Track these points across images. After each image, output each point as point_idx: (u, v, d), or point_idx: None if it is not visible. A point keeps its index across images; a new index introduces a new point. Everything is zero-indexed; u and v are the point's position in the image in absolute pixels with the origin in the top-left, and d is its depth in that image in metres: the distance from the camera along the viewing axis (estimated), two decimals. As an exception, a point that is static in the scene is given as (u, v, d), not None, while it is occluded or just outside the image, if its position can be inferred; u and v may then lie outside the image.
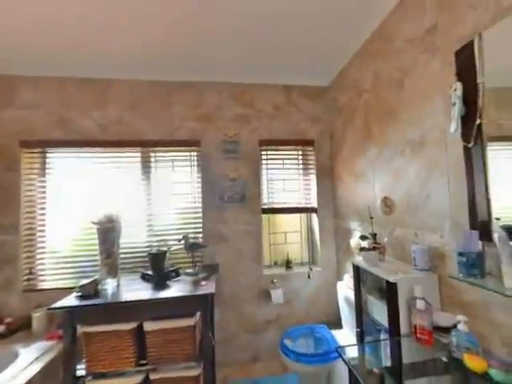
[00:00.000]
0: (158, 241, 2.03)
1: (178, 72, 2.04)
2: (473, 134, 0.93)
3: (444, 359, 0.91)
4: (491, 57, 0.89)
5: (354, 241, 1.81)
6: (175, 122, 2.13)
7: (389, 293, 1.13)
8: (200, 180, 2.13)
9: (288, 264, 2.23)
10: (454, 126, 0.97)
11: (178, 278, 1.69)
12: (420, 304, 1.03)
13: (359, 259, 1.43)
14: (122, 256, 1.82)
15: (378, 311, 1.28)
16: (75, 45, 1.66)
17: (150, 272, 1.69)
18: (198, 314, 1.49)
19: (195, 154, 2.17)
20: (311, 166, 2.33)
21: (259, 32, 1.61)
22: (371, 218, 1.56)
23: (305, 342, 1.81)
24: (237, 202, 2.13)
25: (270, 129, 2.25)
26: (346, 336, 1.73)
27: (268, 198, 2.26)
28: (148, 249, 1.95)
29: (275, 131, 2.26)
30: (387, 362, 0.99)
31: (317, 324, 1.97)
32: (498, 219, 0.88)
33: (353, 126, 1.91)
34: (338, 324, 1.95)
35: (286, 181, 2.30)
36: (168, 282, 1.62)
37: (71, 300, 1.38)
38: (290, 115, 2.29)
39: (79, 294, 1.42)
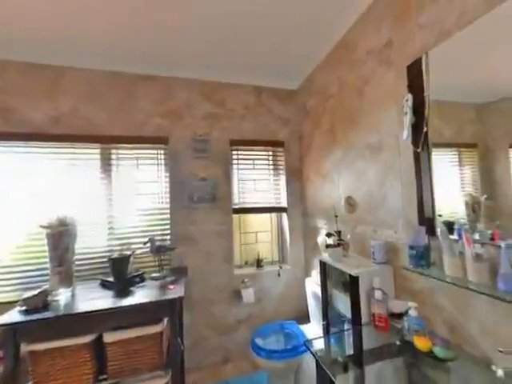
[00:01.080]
0: (120, 245, 1.88)
1: (142, 64, 1.92)
2: (421, 140, 1.05)
3: (397, 342, 1.01)
4: (435, 73, 1.01)
5: (321, 238, 1.91)
6: (140, 117, 2.00)
7: (351, 285, 1.22)
8: (168, 179, 2.04)
9: (259, 263, 2.26)
10: (406, 133, 1.08)
11: (143, 284, 1.60)
12: (378, 294, 1.13)
13: (325, 256, 1.51)
14: (78, 263, 1.66)
15: (342, 303, 1.37)
16: (20, 26, 1.45)
17: (110, 279, 1.56)
18: (166, 319, 1.42)
19: (162, 151, 2.07)
20: (281, 167, 2.39)
21: (228, 31, 1.60)
22: (336, 216, 1.66)
23: (275, 339, 1.85)
24: (207, 203, 2.08)
25: (240, 129, 2.25)
26: (313, 329, 1.81)
27: (239, 198, 2.25)
28: (109, 254, 1.79)
29: (246, 131, 2.27)
30: (350, 351, 1.06)
31: (286, 320, 2.03)
32: (440, 216, 1.01)
33: (320, 129, 2.01)
34: (306, 319, 2.03)
35: (257, 181, 2.32)
36: (132, 289, 1.52)
37: (13, 315, 1.21)
38: (260, 116, 2.32)
39: (23, 307, 1.25)
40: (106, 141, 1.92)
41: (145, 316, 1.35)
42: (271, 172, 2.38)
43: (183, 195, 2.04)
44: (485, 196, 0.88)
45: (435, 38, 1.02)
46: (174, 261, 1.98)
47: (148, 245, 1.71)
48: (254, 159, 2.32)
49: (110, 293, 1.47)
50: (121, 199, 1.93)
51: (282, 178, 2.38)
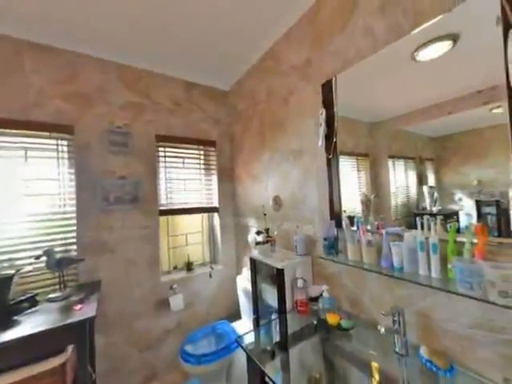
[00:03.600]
0: (-4, 262, 1.42)
1: (33, 29, 1.51)
2: (331, 148, 1.25)
3: (314, 322, 1.17)
4: (341, 94, 1.23)
5: (251, 236, 2.00)
6: (30, 96, 1.56)
7: (278, 278, 1.33)
8: (73, 177, 1.68)
9: (189, 266, 2.16)
10: (320, 142, 1.26)
11: (34, 309, 1.26)
12: (300, 283, 1.28)
13: (255, 252, 1.59)
14: None
15: (270, 296, 1.47)
16: None
17: (-20, 309, 1.16)
18: (71, 347, 1.17)
19: (66, 143, 1.69)
20: (213, 167, 2.36)
21: (161, 18, 1.47)
22: (265, 214, 1.77)
23: (207, 342, 1.81)
24: (127, 204, 1.83)
25: (168, 124, 2.09)
26: (245, 325, 1.87)
27: (167, 199, 2.09)
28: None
29: (175, 127, 2.12)
30: (277, 338, 1.15)
31: (218, 321, 2.02)
32: (345, 211, 1.23)
33: (250, 131, 2.10)
34: (238, 316, 2.08)
35: (187, 180, 2.21)
36: (16, 318, 1.17)
37: None
38: (191, 113, 2.22)
39: None
40: (-28, 122, 1.41)
41: (40, 348, 1.07)
42: (202, 171, 2.32)
43: (96, 196, 1.72)
44: (373, 195, 1.13)
45: (341, 64, 1.23)
46: (82, 275, 1.64)
47: (43, 258, 1.36)
48: (184, 157, 2.20)
49: (-23, 328, 1.08)
50: (-2, 202, 1.45)
51: (214, 178, 2.35)
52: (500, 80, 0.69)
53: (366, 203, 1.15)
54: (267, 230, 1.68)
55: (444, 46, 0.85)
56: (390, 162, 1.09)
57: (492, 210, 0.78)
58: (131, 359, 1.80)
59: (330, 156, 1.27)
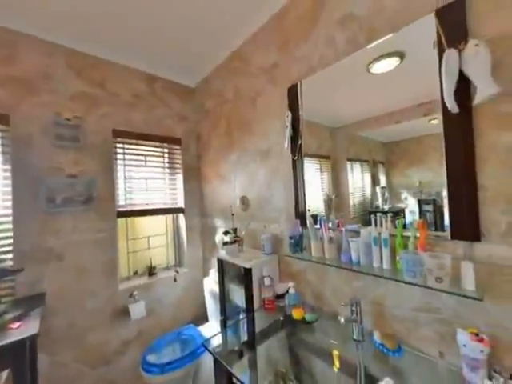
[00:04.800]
0: None
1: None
2: (297, 150, 1.30)
3: (281, 318, 1.21)
4: (306, 98, 1.29)
5: (219, 237, 1.97)
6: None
7: (246, 277, 1.34)
8: (9, 174, 1.44)
9: (151, 271, 2.03)
10: (287, 144, 1.31)
11: (-45, 332, 1.05)
12: (267, 281, 1.30)
13: (223, 253, 1.57)
14: None
15: (238, 296, 1.47)
16: None
17: None
18: (5, 373, 1.00)
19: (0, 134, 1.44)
20: (178, 165, 2.26)
21: (118, 5, 1.35)
22: (232, 214, 1.77)
23: (171, 349, 1.72)
24: (79, 205, 1.64)
25: (128, 119, 1.94)
26: (212, 328, 1.84)
27: (126, 199, 1.93)
28: None
29: (136, 123, 1.98)
30: (245, 337, 1.15)
31: (184, 326, 1.94)
32: (309, 210, 1.29)
33: (218, 131, 2.06)
34: (205, 319, 2.03)
35: (150, 180, 2.08)
36: None
37: None
38: (154, 108, 2.09)
39: None
40: None
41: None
42: (167, 170, 2.21)
43: (38, 196, 1.51)
44: (334, 195, 1.21)
45: (306, 70, 1.29)
46: (21, 288, 1.42)
47: (-33, 271, 1.14)
48: (146, 155, 2.06)
49: None
50: None
51: (179, 177, 2.26)
52: (436, 95, 0.81)
53: (328, 202, 1.23)
54: (235, 230, 1.68)
55: (393, 62, 0.96)
56: (348, 165, 1.18)
57: (430, 207, 0.90)
58: (84, 379, 1.62)
59: (296, 157, 1.32)
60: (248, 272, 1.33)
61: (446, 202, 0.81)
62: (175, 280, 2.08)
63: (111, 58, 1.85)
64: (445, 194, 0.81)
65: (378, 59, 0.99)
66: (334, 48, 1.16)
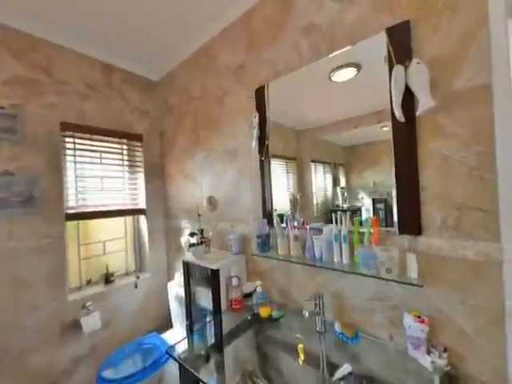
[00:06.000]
0: None
1: None
2: (264, 150, 1.33)
3: (248, 317, 1.22)
4: (272, 100, 1.32)
5: (184, 238, 1.89)
6: None
7: (213, 279, 1.31)
8: None
9: (108, 278, 1.86)
10: (254, 144, 1.32)
11: None
12: (234, 281, 1.30)
13: (189, 255, 1.52)
14: None
15: (205, 298, 1.44)
16: None
17: None
18: None
19: None
20: (139, 164, 2.11)
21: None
22: (199, 215, 1.72)
23: (131, 361, 1.60)
24: (16, 207, 1.42)
25: (80, 111, 1.74)
26: (177, 333, 1.76)
27: (77, 200, 1.73)
28: None
29: (90, 115, 1.79)
30: (212, 340, 1.13)
31: (146, 335, 1.82)
32: (276, 210, 1.32)
33: (183, 128, 1.98)
34: (170, 325, 1.93)
35: (106, 178, 1.91)
36: None
37: None
38: (111, 101, 1.92)
39: None
40: None
41: None
42: (126, 169, 2.04)
43: (-40, 197, 1.26)
44: (300, 194, 1.26)
45: (273, 73, 1.32)
46: None
47: None
48: (101, 151, 1.88)
49: None
50: None
51: (141, 176, 2.11)
52: (387, 105, 0.90)
53: (293, 202, 1.28)
54: (202, 231, 1.63)
55: (351, 72, 1.04)
56: (312, 166, 1.24)
57: (382, 206, 1.00)
58: (22, 406, 1.41)
59: (263, 158, 1.34)
60: (215, 273, 1.30)
61: (394, 200, 0.91)
62: (136, 286, 1.94)
63: (57, 40, 1.63)
64: (394, 193, 0.91)
65: (338, 68, 1.06)
66: (299, 54, 1.21)
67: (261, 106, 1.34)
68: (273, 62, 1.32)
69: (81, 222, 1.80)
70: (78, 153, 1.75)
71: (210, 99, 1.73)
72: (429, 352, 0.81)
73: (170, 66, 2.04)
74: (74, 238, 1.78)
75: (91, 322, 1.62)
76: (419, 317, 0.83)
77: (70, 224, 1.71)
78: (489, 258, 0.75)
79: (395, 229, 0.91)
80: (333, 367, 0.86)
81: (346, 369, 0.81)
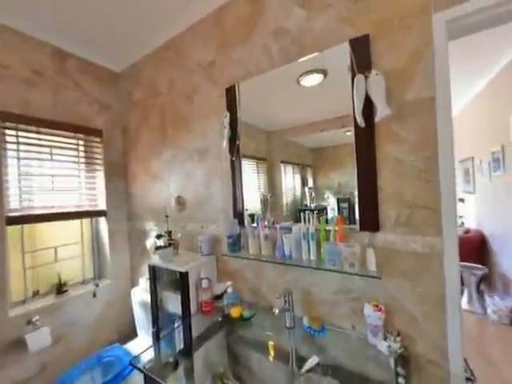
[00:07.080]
0: None
1: None
2: (235, 150, 1.32)
3: (219, 319, 1.20)
4: (243, 100, 1.32)
5: (150, 241, 1.79)
6: None
7: (182, 282, 1.26)
8: None
9: (60, 288, 1.67)
10: (225, 144, 1.31)
11: None
12: (204, 283, 1.27)
13: (155, 258, 1.44)
14: None
15: (173, 303, 1.38)
16: None
17: None
18: None
19: None
20: (98, 161, 1.93)
21: None
22: (167, 216, 1.64)
23: (90, 377, 1.46)
24: None
25: (25, 100, 1.53)
26: (143, 342, 1.65)
27: (21, 202, 1.52)
28: None
29: (37, 105, 1.58)
30: (181, 345, 1.09)
31: (106, 347, 1.68)
32: (247, 210, 1.33)
33: (149, 124, 1.87)
34: (134, 335, 1.81)
35: (58, 177, 1.71)
36: None
37: None
38: (64, 90, 1.72)
39: None
40: None
41: None
42: (82, 166, 1.85)
43: None
44: (270, 194, 1.28)
45: (244, 74, 1.32)
46: None
47: None
48: (52, 147, 1.67)
49: None
50: None
51: (100, 175, 1.94)
52: (350, 111, 0.96)
53: (264, 202, 1.30)
54: (169, 233, 1.56)
55: (318, 78, 1.09)
56: (282, 167, 1.27)
57: (346, 205, 1.07)
58: None
59: (234, 158, 1.33)
60: (184, 276, 1.26)
61: (356, 200, 0.98)
62: (94, 295, 1.78)
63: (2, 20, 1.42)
64: (356, 193, 0.98)
65: (306, 73, 1.10)
66: (269, 56, 1.23)
67: (232, 106, 1.33)
68: (244, 63, 1.32)
69: (26, 226, 1.58)
70: (22, 147, 1.53)
71: (179, 95, 1.66)
72: (385, 338, 0.89)
73: (134, 58, 1.91)
74: (18, 244, 1.56)
75: (39, 339, 1.44)
76: (377, 306, 0.90)
77: (12, 229, 1.49)
78: (433, 249, 0.85)
79: (357, 226, 0.98)
80: (301, 360, 0.90)
81: (313, 360, 0.85)
